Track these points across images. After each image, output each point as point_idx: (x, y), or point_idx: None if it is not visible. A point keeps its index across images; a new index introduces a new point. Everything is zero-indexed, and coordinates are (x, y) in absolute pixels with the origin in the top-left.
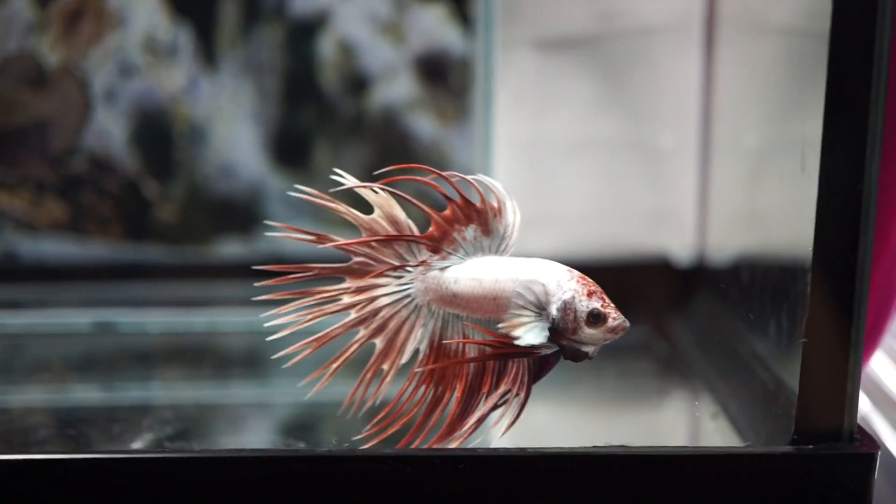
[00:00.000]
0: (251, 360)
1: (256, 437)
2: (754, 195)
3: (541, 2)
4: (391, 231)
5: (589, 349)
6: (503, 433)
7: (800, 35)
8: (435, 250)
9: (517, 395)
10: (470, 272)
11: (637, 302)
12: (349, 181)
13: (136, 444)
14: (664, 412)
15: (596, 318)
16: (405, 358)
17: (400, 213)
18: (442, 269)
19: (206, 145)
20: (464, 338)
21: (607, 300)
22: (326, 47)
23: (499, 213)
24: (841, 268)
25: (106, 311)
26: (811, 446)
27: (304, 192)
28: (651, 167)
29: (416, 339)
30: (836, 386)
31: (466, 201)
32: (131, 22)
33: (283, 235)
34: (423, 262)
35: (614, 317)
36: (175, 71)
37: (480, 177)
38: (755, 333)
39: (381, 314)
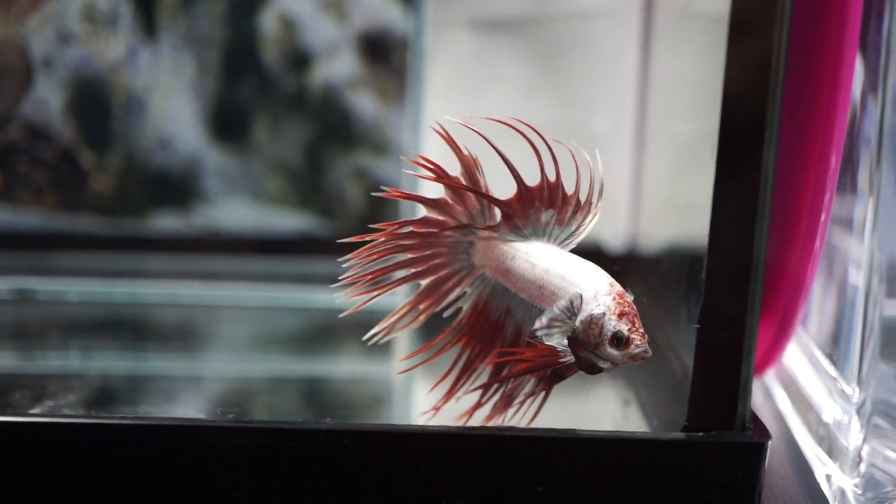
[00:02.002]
0: (179, 333)
1: (162, 407)
2: (680, 184)
3: None
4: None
5: (606, 365)
6: (528, 424)
7: (722, 23)
8: (507, 218)
9: (542, 391)
10: (528, 253)
11: None
12: (444, 132)
13: (34, 410)
14: (582, 398)
15: (619, 340)
16: (440, 306)
17: (481, 177)
18: (505, 241)
19: (143, 117)
20: (507, 313)
21: (637, 324)
22: (268, 22)
23: (583, 210)
24: (736, 255)
25: (31, 279)
26: (701, 434)
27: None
28: (586, 152)
29: (461, 296)
30: (730, 374)
31: (560, 186)
32: None
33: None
34: (490, 227)
35: (637, 344)
36: (114, 40)
37: (598, 169)
38: (671, 322)
39: (436, 259)
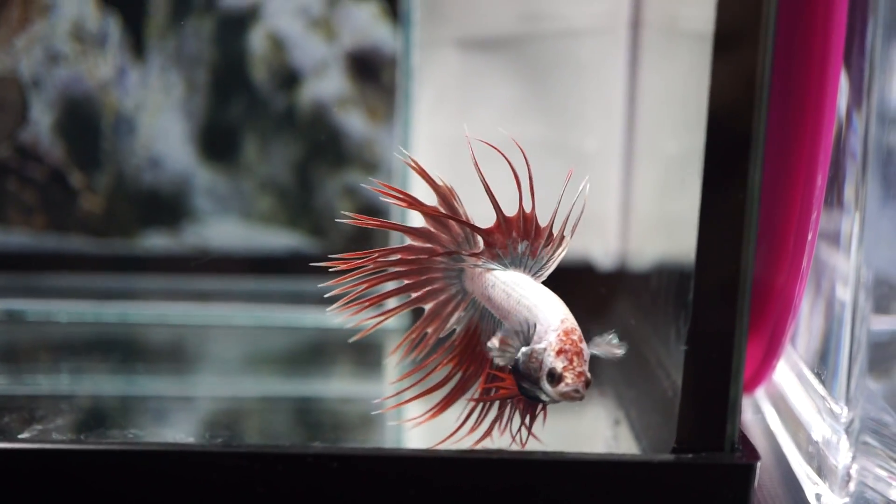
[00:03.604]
0: (170, 353)
1: (157, 431)
2: (668, 201)
3: (465, 1)
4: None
5: (546, 398)
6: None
7: (707, 42)
8: (488, 246)
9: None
10: (505, 283)
11: None
12: (415, 166)
13: (23, 435)
14: (571, 417)
15: (552, 377)
16: (445, 331)
17: (459, 206)
18: (487, 269)
19: (133, 136)
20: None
21: (576, 363)
22: (257, 41)
23: (554, 243)
24: (723, 275)
25: (21, 300)
26: (690, 455)
27: (374, 183)
28: (575, 170)
29: (456, 320)
30: (718, 395)
31: (534, 218)
32: (59, 9)
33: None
34: (474, 254)
35: (568, 382)
36: (103, 60)
37: (579, 202)
38: (660, 340)
39: (434, 285)
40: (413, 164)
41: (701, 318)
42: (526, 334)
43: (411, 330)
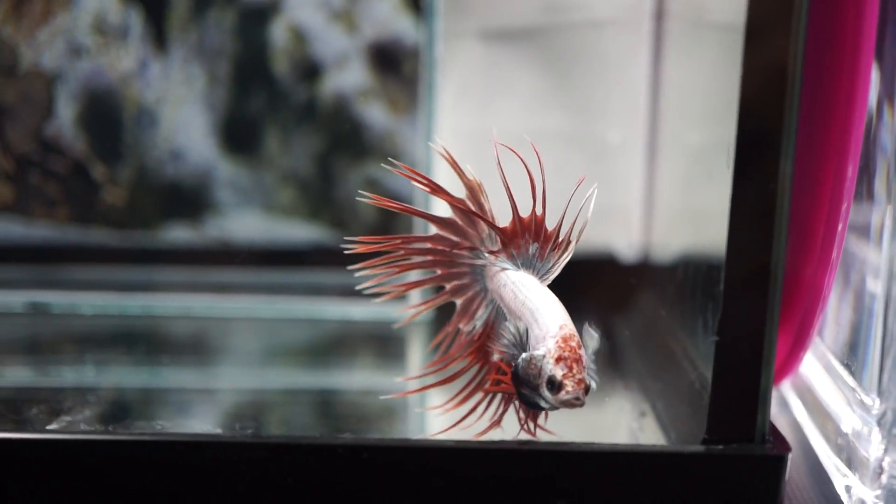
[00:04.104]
0: (193, 345)
1: (183, 422)
2: (693, 193)
3: None
4: (475, 211)
5: (545, 405)
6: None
7: (735, 31)
8: (504, 245)
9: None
10: (514, 283)
11: (581, 297)
12: (445, 156)
13: (51, 426)
14: (597, 409)
15: (552, 384)
16: (473, 325)
17: (486, 202)
18: (503, 268)
19: (155, 129)
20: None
21: (576, 370)
22: (278, 33)
23: (560, 247)
24: (754, 267)
25: (45, 292)
26: (721, 446)
27: (397, 165)
28: (598, 163)
29: (479, 316)
30: (749, 387)
31: (543, 221)
32: (81, 1)
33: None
34: (493, 252)
35: (568, 390)
36: (125, 53)
37: (587, 207)
38: (686, 332)
39: (463, 279)
40: (446, 155)
41: (731, 310)
42: (519, 342)
43: (449, 324)
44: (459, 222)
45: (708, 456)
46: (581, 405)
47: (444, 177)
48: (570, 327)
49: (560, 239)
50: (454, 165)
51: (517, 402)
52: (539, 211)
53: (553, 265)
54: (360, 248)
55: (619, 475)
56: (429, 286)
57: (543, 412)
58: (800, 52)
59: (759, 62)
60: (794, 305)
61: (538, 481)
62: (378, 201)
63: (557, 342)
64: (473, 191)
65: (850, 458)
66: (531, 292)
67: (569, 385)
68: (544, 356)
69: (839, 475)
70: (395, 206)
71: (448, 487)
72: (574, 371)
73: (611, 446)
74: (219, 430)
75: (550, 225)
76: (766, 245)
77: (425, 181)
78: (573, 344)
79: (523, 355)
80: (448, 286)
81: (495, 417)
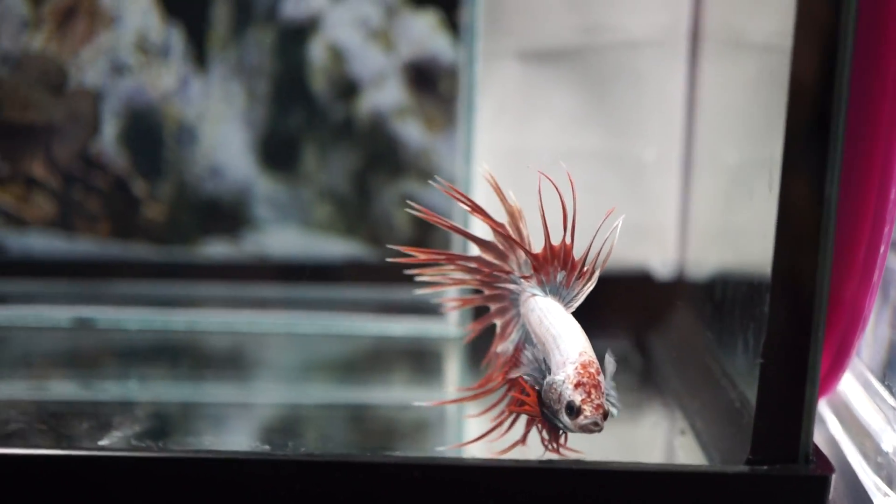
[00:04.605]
0: (231, 360)
1: (228, 437)
2: (730, 212)
3: (526, 13)
4: (514, 236)
5: (565, 430)
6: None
7: (774, 52)
8: (535, 271)
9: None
10: (542, 309)
11: (617, 315)
12: (490, 183)
13: (103, 442)
14: (635, 427)
15: (570, 410)
16: (506, 349)
17: (524, 228)
18: (532, 294)
19: (195, 146)
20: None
21: (594, 396)
22: (317, 51)
23: (585, 277)
24: (800, 289)
25: (88, 307)
26: (765, 467)
27: (442, 184)
28: (634, 181)
29: (511, 340)
30: (793, 407)
31: (572, 250)
32: (124, 21)
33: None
34: (526, 278)
35: (587, 415)
36: (166, 71)
37: (612, 238)
38: (725, 351)
39: (503, 302)
40: (490, 180)
41: (776, 331)
42: (538, 367)
43: (492, 345)
44: (500, 246)
45: (752, 476)
46: (599, 430)
47: (482, 196)
48: (589, 354)
49: (585, 268)
50: (498, 190)
51: (539, 424)
52: (569, 240)
53: (577, 293)
54: (405, 260)
55: (665, 494)
56: (477, 304)
57: (564, 434)
58: (845, 78)
59: (804, 85)
60: (834, 327)
61: (584, 500)
62: (426, 215)
63: (577, 368)
64: (513, 216)
65: (891, 477)
66: (556, 318)
67: (587, 410)
68: (563, 381)
69: (880, 494)
70: (442, 222)
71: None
72: (593, 397)
73: (658, 466)
74: (266, 447)
75: (577, 253)
76: (812, 268)
77: (469, 202)
78: (592, 370)
79: (546, 379)
80: (492, 307)
81: (519, 437)
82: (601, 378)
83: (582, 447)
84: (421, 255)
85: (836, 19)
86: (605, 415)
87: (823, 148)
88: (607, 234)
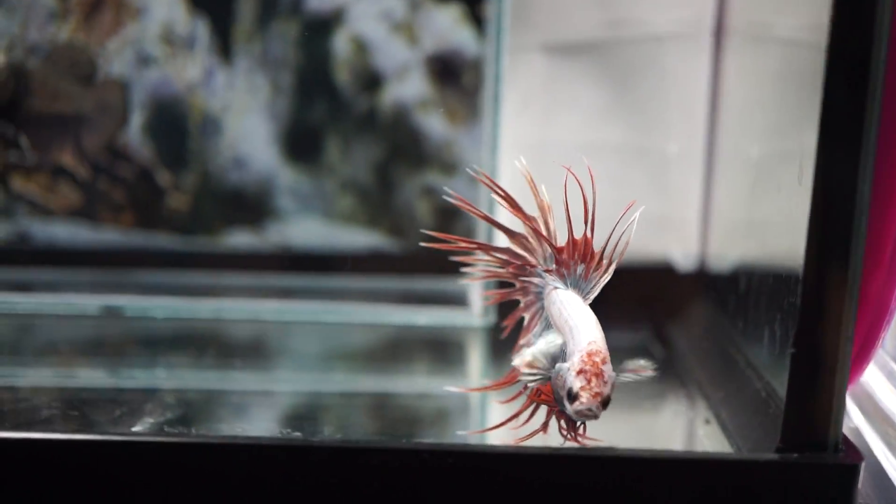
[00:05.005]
0: (255, 349)
1: (256, 424)
2: (755, 205)
3: (551, 7)
4: (542, 230)
5: (571, 413)
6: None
7: (802, 47)
8: (558, 265)
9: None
10: (561, 301)
11: (639, 306)
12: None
13: (136, 428)
14: (658, 416)
15: (569, 395)
16: (528, 341)
17: (552, 222)
18: (555, 287)
19: (219, 137)
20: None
21: (594, 384)
22: (341, 44)
23: (602, 270)
24: (832, 281)
25: (115, 295)
26: (795, 455)
27: (479, 173)
28: (657, 174)
29: (535, 332)
30: (823, 397)
31: (591, 243)
32: (150, 13)
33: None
34: (549, 271)
35: (583, 401)
36: (191, 63)
37: (630, 231)
38: (750, 342)
39: (530, 295)
40: (526, 174)
41: (808, 322)
42: (551, 358)
43: (519, 337)
44: (530, 239)
45: (782, 464)
46: (595, 418)
47: (507, 188)
48: (598, 344)
49: (602, 260)
50: (532, 185)
51: (556, 413)
52: (589, 233)
53: (594, 285)
54: (438, 246)
55: (693, 482)
56: (510, 298)
57: (582, 423)
58: (880, 73)
59: (840, 80)
60: (860, 319)
61: (612, 488)
62: (463, 204)
63: (582, 356)
64: (543, 211)
65: None
66: (574, 310)
67: (583, 397)
68: (569, 369)
69: None
70: (476, 211)
71: (536, 495)
72: (592, 384)
73: (686, 454)
74: (297, 434)
75: (597, 246)
76: (844, 260)
77: (503, 193)
78: (597, 359)
79: (557, 366)
80: (522, 300)
81: (540, 425)
82: (605, 368)
83: (603, 436)
84: (457, 243)
85: (873, 12)
86: (605, 403)
87: (857, 142)
88: (626, 227)
